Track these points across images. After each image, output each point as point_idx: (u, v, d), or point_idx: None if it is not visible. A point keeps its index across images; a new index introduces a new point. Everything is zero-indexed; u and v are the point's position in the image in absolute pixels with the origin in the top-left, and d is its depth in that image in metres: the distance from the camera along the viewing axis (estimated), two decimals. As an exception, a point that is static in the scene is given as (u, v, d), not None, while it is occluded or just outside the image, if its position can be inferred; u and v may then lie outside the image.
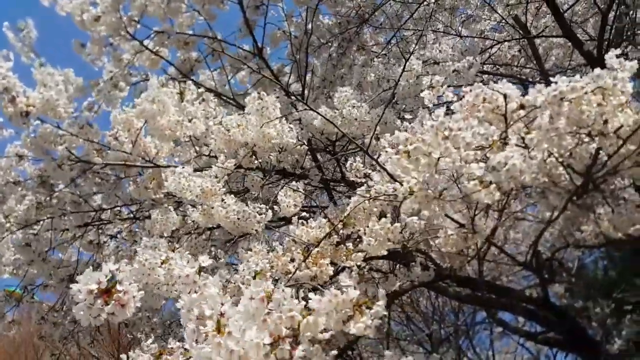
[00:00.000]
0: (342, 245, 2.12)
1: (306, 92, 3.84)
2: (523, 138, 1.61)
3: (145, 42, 3.65)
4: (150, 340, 1.43)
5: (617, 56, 1.68)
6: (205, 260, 1.48)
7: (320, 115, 2.46)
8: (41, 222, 3.05)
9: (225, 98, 3.93)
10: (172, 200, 2.81)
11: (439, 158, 1.36)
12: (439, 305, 5.83)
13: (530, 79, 4.67)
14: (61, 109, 2.51)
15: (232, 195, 2.25)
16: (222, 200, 2.20)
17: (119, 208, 3.34)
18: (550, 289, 5.19)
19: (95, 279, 1.25)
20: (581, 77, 1.61)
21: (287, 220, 2.63)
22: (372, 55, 4.13)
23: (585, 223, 3.60)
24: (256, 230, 2.21)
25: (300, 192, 2.36)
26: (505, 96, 1.72)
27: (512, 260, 3.24)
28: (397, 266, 3.27)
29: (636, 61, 1.76)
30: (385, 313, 1.32)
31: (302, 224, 2.16)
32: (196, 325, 1.19)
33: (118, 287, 1.27)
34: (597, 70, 1.49)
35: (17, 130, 2.78)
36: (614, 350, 4.95)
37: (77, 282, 3.08)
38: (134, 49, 3.63)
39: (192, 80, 3.78)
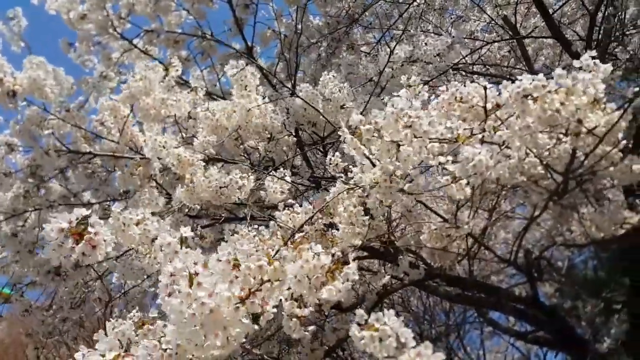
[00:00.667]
0: (328, 232, 2.15)
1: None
2: (494, 134, 1.63)
3: (135, 41, 3.67)
4: (134, 311, 1.45)
5: (593, 57, 1.71)
6: (187, 232, 1.50)
7: (300, 98, 2.49)
8: (29, 213, 3.06)
9: (215, 97, 3.96)
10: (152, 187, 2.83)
11: (399, 146, 1.38)
12: (430, 305, 5.85)
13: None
14: (48, 89, 2.53)
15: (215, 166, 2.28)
16: (205, 169, 2.22)
17: (108, 203, 3.36)
18: (540, 288, 5.21)
19: (66, 219, 1.26)
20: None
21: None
22: (362, 55, 4.15)
23: (570, 224, 3.63)
24: (240, 200, 2.23)
25: (287, 181, 2.38)
26: (485, 89, 1.75)
27: (498, 258, 3.26)
28: (385, 263, 3.29)
29: (610, 64, 1.79)
30: (356, 277, 1.37)
31: (288, 210, 2.19)
32: (169, 281, 1.22)
33: (90, 228, 1.28)
34: (559, 70, 1.51)
35: (6, 117, 2.81)
36: (603, 349, 4.97)
37: (61, 275, 3.07)
38: (123, 48, 3.65)
39: (182, 79, 3.80)
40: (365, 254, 3.57)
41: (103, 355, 1.19)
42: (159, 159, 2.55)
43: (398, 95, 1.50)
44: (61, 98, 2.76)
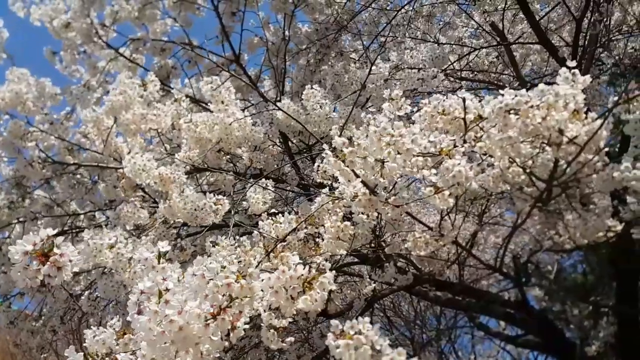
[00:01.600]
0: (310, 242, 2.15)
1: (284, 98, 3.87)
2: (475, 145, 1.64)
3: (121, 50, 3.65)
4: (115, 319, 1.44)
5: (573, 68, 1.72)
6: (164, 246, 1.49)
7: (282, 110, 2.50)
8: (14, 225, 3.04)
9: (203, 105, 3.95)
10: (139, 196, 2.82)
11: (383, 162, 1.38)
12: (421, 310, 5.86)
13: (508, 85, 4.73)
14: (30, 102, 2.52)
15: (191, 187, 2.27)
16: (182, 191, 2.22)
17: (93, 213, 3.34)
18: (529, 292, 5.24)
19: (31, 241, 1.25)
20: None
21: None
22: (350, 62, 4.16)
23: (556, 230, 3.65)
24: (216, 222, 2.23)
25: (270, 189, 2.38)
26: (464, 101, 1.76)
27: (484, 265, 3.27)
28: (374, 269, 3.29)
29: (590, 75, 1.81)
30: (333, 287, 1.37)
31: (271, 220, 2.19)
32: (139, 299, 1.21)
33: (55, 250, 1.27)
34: (541, 86, 1.52)
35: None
36: (592, 352, 5.01)
37: (46, 286, 3.05)
38: (108, 57, 3.63)
39: (169, 87, 3.79)
40: (355, 260, 3.58)
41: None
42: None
43: (379, 110, 1.50)
44: (45, 111, 2.74)
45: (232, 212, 2.33)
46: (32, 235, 1.26)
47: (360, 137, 1.39)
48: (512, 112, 1.51)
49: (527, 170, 2.21)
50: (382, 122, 1.35)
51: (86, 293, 3.13)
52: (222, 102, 2.42)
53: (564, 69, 1.63)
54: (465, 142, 1.59)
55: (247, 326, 1.37)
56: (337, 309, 3.36)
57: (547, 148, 2.10)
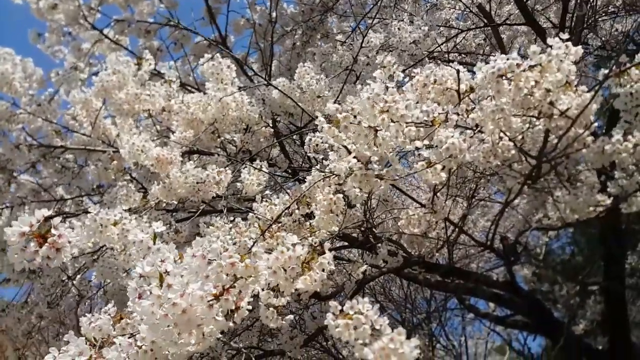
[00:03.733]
0: (305, 222, 2.14)
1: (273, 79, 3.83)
2: (468, 116, 1.64)
3: (105, 31, 3.59)
4: (110, 305, 1.41)
5: (565, 40, 1.72)
6: (159, 227, 1.47)
7: (277, 88, 2.46)
8: (0, 211, 2.99)
9: (189, 88, 3.90)
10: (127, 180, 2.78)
11: (376, 131, 1.36)
12: (411, 293, 5.89)
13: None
14: (17, 83, 2.46)
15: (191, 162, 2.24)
16: (181, 164, 2.19)
17: (81, 198, 3.29)
18: (518, 273, 5.29)
19: (27, 222, 1.23)
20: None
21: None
22: (337, 44, 4.13)
23: (545, 208, 3.68)
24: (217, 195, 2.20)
25: (264, 171, 2.36)
26: (458, 72, 1.75)
27: (476, 242, 3.29)
28: (364, 252, 3.30)
29: (581, 47, 1.81)
30: (332, 267, 1.37)
31: (265, 202, 2.17)
32: (139, 283, 1.19)
33: (53, 231, 1.24)
34: (533, 47, 1.51)
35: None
36: (579, 331, 5.08)
37: (36, 272, 3.00)
38: (93, 38, 3.57)
39: (155, 70, 3.73)
40: (345, 243, 3.58)
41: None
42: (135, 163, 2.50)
43: (373, 81, 1.48)
44: (31, 91, 2.68)
45: (225, 193, 2.31)
46: (28, 217, 1.22)
47: (355, 102, 1.37)
48: (504, 78, 1.50)
49: (518, 145, 2.22)
50: (375, 88, 1.33)
51: (78, 277, 3.10)
52: (222, 81, 2.37)
53: (556, 38, 1.63)
54: (458, 114, 1.58)
55: (250, 307, 1.35)
56: (328, 291, 3.36)
57: (538, 123, 2.11)
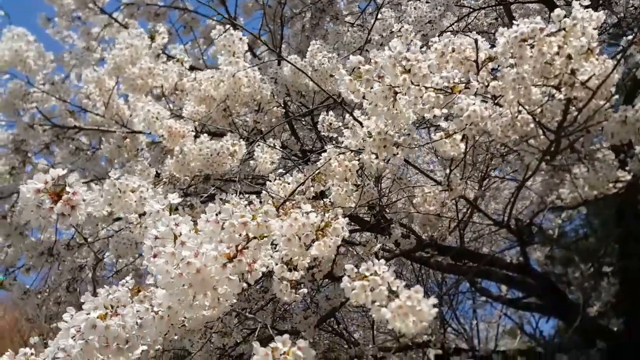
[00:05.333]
0: (319, 200, 2.12)
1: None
2: (487, 85, 1.60)
3: (115, 15, 3.57)
4: (128, 277, 1.41)
5: (586, 7, 1.67)
6: (175, 198, 1.46)
7: (290, 63, 2.43)
8: (17, 195, 2.99)
9: (200, 70, 3.87)
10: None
11: (396, 93, 1.34)
12: (422, 277, 5.87)
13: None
14: (31, 60, 2.45)
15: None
16: (195, 138, 2.18)
17: (95, 182, 3.29)
18: (531, 256, 5.26)
19: (42, 179, 1.22)
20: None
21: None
22: (347, 25, 4.07)
23: (562, 186, 3.63)
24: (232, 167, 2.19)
25: (278, 149, 2.34)
26: (476, 41, 1.71)
27: (490, 220, 3.25)
28: (377, 236, 3.28)
29: (603, 12, 1.76)
30: (347, 233, 1.36)
31: (279, 180, 2.16)
32: (154, 244, 1.18)
33: (67, 188, 1.23)
34: (558, 11, 1.47)
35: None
36: (593, 313, 5.05)
37: (54, 256, 3.01)
38: (102, 22, 3.55)
39: (165, 53, 3.71)
40: (356, 226, 3.56)
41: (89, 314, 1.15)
42: (148, 133, 2.49)
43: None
44: (45, 70, 2.67)
45: (239, 170, 2.29)
46: (43, 175, 1.21)
47: (377, 55, 1.33)
48: (527, 43, 1.46)
49: (536, 119, 2.18)
50: (398, 46, 1.29)
51: (91, 255, 3.10)
52: (234, 54, 2.35)
53: (577, 4, 1.59)
54: (479, 81, 1.55)
55: (264, 268, 1.34)
56: (342, 272, 3.35)
57: (558, 94, 2.07)
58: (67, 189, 1.23)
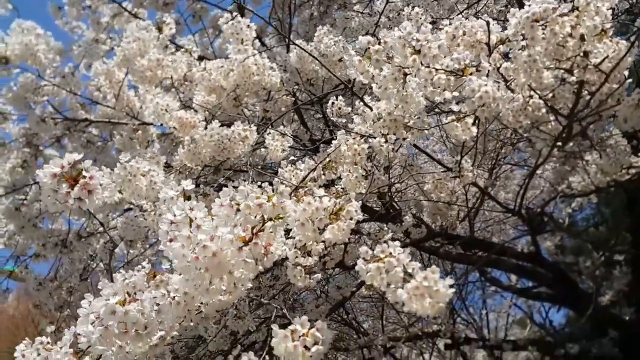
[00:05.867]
0: (331, 187, 2.12)
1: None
2: (499, 68, 1.59)
3: (124, 4, 3.57)
4: (145, 262, 1.42)
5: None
6: (188, 185, 1.47)
7: (298, 46, 2.43)
8: (29, 187, 3.02)
9: (208, 61, 3.87)
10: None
11: (405, 75, 1.33)
12: (431, 267, 5.86)
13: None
14: (41, 54, 2.46)
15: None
16: (206, 126, 2.18)
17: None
18: (541, 245, 5.23)
19: (58, 164, 1.22)
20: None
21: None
22: (355, 13, 4.05)
23: (574, 173, 3.61)
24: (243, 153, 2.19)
25: (288, 135, 2.34)
26: (488, 24, 1.70)
27: (501, 207, 3.23)
28: (387, 225, 3.28)
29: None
30: (360, 216, 1.35)
31: (290, 167, 2.16)
32: (170, 228, 1.18)
33: (84, 173, 1.24)
34: (571, -11, 1.46)
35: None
36: (605, 302, 5.03)
37: (67, 246, 3.03)
38: (112, 12, 3.55)
39: (174, 43, 3.71)
40: (365, 216, 3.56)
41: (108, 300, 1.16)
42: (160, 124, 2.50)
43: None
44: (55, 64, 2.68)
45: (250, 157, 2.30)
46: (59, 159, 1.22)
47: (387, 36, 1.33)
48: (539, 23, 1.44)
49: (548, 104, 2.16)
50: (408, 27, 1.28)
51: (102, 242, 3.12)
52: (242, 42, 2.35)
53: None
54: (490, 63, 1.54)
55: (279, 252, 1.34)
56: (353, 261, 3.35)
57: (570, 78, 2.05)
58: (84, 173, 1.23)
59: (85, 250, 3.46)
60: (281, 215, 1.20)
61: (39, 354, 1.29)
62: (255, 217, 1.19)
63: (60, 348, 1.26)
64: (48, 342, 1.33)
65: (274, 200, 1.17)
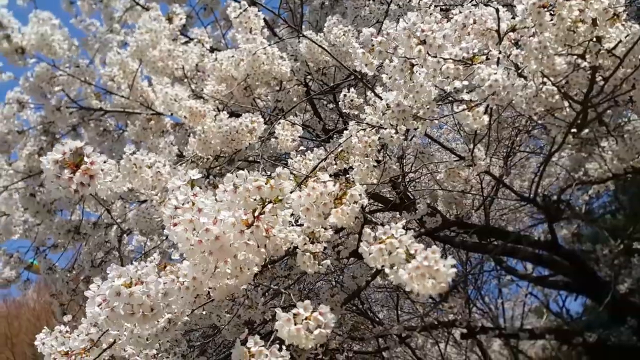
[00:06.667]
0: (341, 177, 2.12)
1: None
2: (509, 56, 1.57)
3: (136, -2, 3.59)
4: (156, 253, 1.45)
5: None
6: (195, 174, 1.48)
7: (307, 37, 2.43)
8: (44, 174, 3.07)
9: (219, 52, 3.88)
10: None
11: (412, 65, 1.32)
12: (446, 257, 5.84)
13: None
14: (56, 44, 2.50)
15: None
16: (215, 117, 2.20)
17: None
18: (557, 233, 5.18)
19: (60, 151, 1.25)
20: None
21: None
22: (366, 2, 4.02)
23: (590, 160, 3.56)
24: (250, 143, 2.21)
25: (298, 124, 2.34)
26: (497, 11, 1.68)
27: (517, 195, 3.21)
28: (400, 214, 3.27)
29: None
30: (365, 201, 1.35)
31: (300, 157, 2.17)
32: (174, 213, 1.20)
33: (85, 158, 1.26)
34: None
35: (17, 74, 2.81)
36: (624, 290, 4.97)
37: (81, 234, 3.08)
38: (125, 6, 3.58)
39: (187, 35, 3.73)
40: (379, 206, 3.55)
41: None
42: (170, 114, 2.52)
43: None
44: (69, 53, 2.73)
45: (259, 148, 2.31)
46: (61, 146, 1.25)
47: (390, 27, 1.32)
48: (546, 9, 1.43)
49: (562, 90, 2.14)
50: (412, 17, 1.28)
51: (114, 228, 3.17)
52: (251, 31, 2.36)
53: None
54: (500, 51, 1.52)
55: (282, 235, 1.35)
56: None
57: (583, 63, 2.02)
58: (85, 159, 1.26)
59: (102, 239, 3.52)
60: (280, 197, 1.20)
61: (57, 341, 1.33)
62: (255, 199, 1.20)
63: (78, 336, 1.30)
64: (67, 331, 1.37)
65: (272, 182, 1.18)
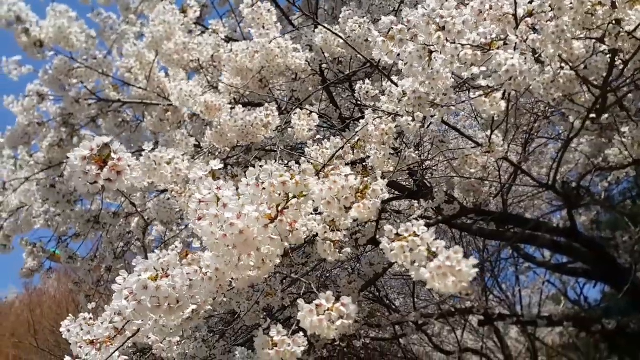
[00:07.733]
0: (357, 165, 2.13)
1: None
2: (526, 40, 1.56)
3: (152, -11, 3.61)
4: (177, 242, 1.47)
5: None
6: (216, 165, 1.50)
7: (323, 26, 2.42)
8: (64, 165, 3.13)
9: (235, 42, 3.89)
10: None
11: (431, 52, 1.32)
12: (464, 245, 5.83)
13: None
14: (73, 37, 2.54)
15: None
16: (231, 110, 2.22)
17: (140, 154, 3.40)
18: (577, 220, 5.13)
19: (87, 147, 1.27)
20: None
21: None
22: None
23: (610, 146, 3.52)
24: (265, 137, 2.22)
25: (315, 112, 2.35)
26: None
27: (535, 182, 3.18)
28: (419, 202, 3.27)
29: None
30: (386, 195, 1.35)
31: (317, 146, 2.18)
32: (198, 207, 1.22)
33: (113, 155, 1.28)
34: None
35: (36, 67, 2.86)
36: (643, 277, 4.91)
37: (100, 223, 3.14)
38: (141, -3, 3.61)
39: (203, 25, 3.75)
40: (396, 194, 3.55)
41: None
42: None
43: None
44: (86, 45, 2.76)
45: (276, 137, 2.33)
46: (88, 142, 1.27)
47: (410, 14, 1.32)
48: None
49: (580, 75, 2.11)
50: (431, 4, 1.28)
51: (135, 220, 3.21)
52: (264, 27, 2.37)
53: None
54: (517, 36, 1.51)
55: (305, 228, 1.37)
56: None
57: (602, 47, 2.00)
58: (113, 155, 1.28)
59: (123, 229, 3.59)
60: (305, 193, 1.22)
61: (82, 329, 1.37)
62: (280, 195, 1.22)
63: (102, 323, 1.33)
64: (90, 318, 1.41)
65: (297, 178, 1.20)
